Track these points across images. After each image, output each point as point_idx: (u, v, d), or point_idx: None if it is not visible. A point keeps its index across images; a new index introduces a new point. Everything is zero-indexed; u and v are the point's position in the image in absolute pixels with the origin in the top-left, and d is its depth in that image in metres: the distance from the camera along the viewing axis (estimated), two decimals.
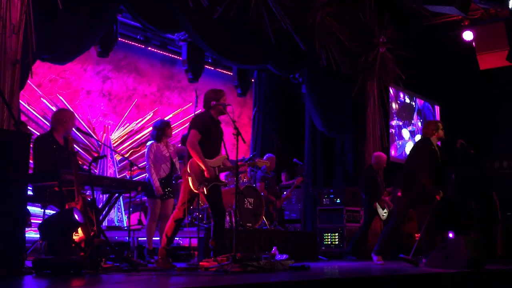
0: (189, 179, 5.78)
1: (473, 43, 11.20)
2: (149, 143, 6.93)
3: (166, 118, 9.97)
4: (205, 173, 5.76)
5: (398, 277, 5.22)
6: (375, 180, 8.67)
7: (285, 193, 9.51)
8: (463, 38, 11.29)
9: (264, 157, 9.23)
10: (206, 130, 5.86)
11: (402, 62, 10.54)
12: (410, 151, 7.53)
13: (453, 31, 11.42)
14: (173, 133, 7.74)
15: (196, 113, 6.30)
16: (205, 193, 5.82)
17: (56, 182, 5.34)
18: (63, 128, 5.96)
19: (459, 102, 12.85)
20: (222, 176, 8.59)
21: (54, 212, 5.61)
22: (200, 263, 5.67)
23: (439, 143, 7.24)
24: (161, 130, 6.89)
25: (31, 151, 5.62)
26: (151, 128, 9.54)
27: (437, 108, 12.98)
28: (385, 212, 8.63)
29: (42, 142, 5.89)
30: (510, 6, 9.41)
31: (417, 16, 10.94)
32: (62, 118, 6.00)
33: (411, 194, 6.95)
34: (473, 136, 12.98)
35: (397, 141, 11.27)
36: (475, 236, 9.31)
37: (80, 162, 8.41)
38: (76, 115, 8.77)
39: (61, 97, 8.72)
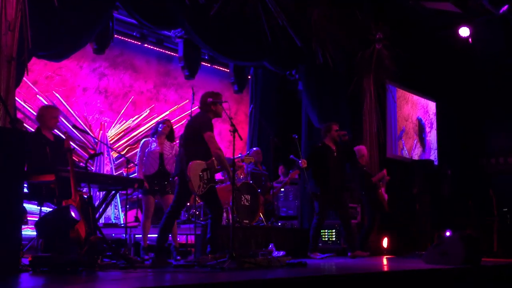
0: (191, 182, 5.78)
1: (470, 39, 11.22)
2: (142, 140, 7.07)
3: (162, 115, 9.98)
4: (230, 173, 5.92)
5: (394, 273, 5.24)
6: (368, 174, 8.74)
7: (273, 190, 9.49)
8: (459, 35, 11.31)
9: (251, 151, 9.26)
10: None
11: (399, 59, 10.54)
12: None
13: (449, 27, 11.43)
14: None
15: (196, 114, 6.23)
16: (204, 194, 5.88)
17: (52, 176, 5.35)
18: (44, 124, 6.01)
19: (455, 99, 12.89)
20: (219, 173, 8.62)
21: (51, 209, 5.60)
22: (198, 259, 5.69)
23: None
24: (154, 128, 7.09)
25: None
26: (148, 125, 9.67)
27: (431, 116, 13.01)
28: None
29: (31, 139, 5.89)
30: None
31: (414, 12, 10.95)
32: (39, 114, 6.10)
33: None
34: (469, 132, 13.09)
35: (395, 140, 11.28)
36: (472, 232, 9.34)
37: (77, 159, 8.42)
38: (72, 111, 8.80)
39: (57, 94, 8.70)
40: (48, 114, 6.10)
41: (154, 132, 7.04)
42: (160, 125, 7.00)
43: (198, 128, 5.92)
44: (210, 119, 6.02)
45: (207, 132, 5.85)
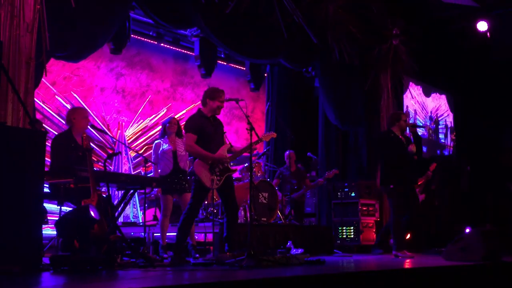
0: (200, 180, 5.80)
1: (487, 34, 11.09)
2: (154, 142, 7.15)
3: (179, 114, 10.02)
4: (214, 157, 5.87)
5: (413, 270, 5.21)
6: None
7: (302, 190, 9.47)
8: (476, 28, 11.18)
9: (285, 154, 9.22)
10: (200, 130, 5.93)
11: (416, 54, 10.45)
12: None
13: (466, 21, 11.31)
14: None
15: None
16: (219, 186, 5.87)
17: (71, 179, 5.39)
18: (74, 126, 6.02)
19: (473, 94, 12.76)
20: (237, 172, 8.62)
21: (71, 209, 5.65)
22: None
23: (408, 133, 7.64)
24: (163, 127, 7.13)
25: (48, 148, 5.67)
26: None
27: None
28: None
29: (60, 140, 5.95)
30: None
31: (429, 6, 10.86)
32: (69, 116, 6.10)
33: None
34: (487, 127, 12.95)
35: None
36: (491, 228, 9.25)
37: (95, 159, 8.48)
38: (90, 112, 8.86)
39: (75, 95, 8.78)
40: (79, 115, 6.11)
41: (163, 132, 7.11)
42: (167, 124, 7.05)
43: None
44: (196, 119, 6.04)
45: (187, 133, 5.95)
